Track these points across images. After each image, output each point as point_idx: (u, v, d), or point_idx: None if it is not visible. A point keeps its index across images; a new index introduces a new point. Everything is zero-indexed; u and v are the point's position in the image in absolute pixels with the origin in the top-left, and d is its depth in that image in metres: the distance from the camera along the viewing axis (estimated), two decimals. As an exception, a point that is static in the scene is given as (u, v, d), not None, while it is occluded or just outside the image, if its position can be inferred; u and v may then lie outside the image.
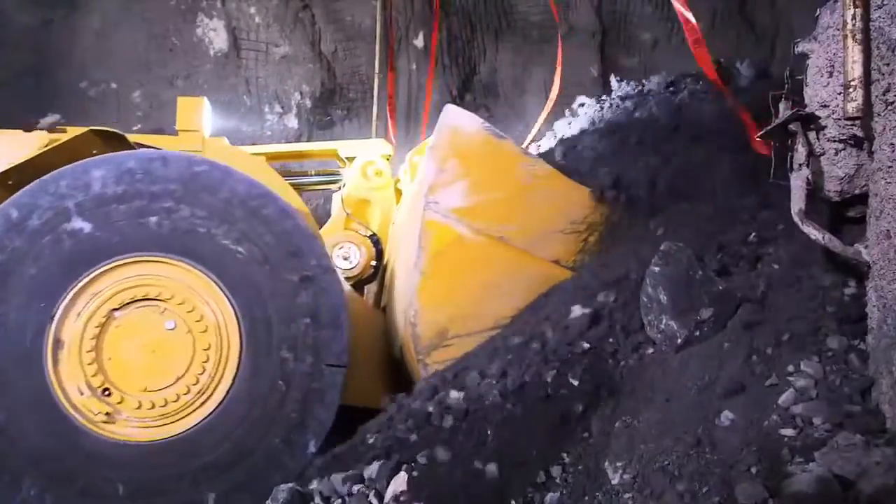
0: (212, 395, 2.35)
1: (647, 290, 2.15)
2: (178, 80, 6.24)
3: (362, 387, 2.64)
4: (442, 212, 2.51)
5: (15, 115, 5.93)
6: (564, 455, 2.03)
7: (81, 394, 2.28)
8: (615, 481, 1.87)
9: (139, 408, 2.30)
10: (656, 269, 2.18)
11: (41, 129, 3.06)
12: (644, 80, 4.24)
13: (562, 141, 3.43)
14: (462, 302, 2.53)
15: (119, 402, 2.29)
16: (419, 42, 6.41)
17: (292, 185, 3.58)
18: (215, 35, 6.36)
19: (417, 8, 6.36)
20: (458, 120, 2.59)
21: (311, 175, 3.86)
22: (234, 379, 2.35)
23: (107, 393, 2.31)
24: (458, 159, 2.53)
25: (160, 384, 2.33)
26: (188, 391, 2.33)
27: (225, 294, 2.35)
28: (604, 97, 4.32)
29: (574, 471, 2.00)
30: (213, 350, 2.35)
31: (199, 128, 3.09)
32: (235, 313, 2.35)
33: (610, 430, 2.05)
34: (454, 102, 6.24)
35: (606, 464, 1.94)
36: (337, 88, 6.15)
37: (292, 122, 6.28)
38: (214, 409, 2.34)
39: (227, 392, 2.34)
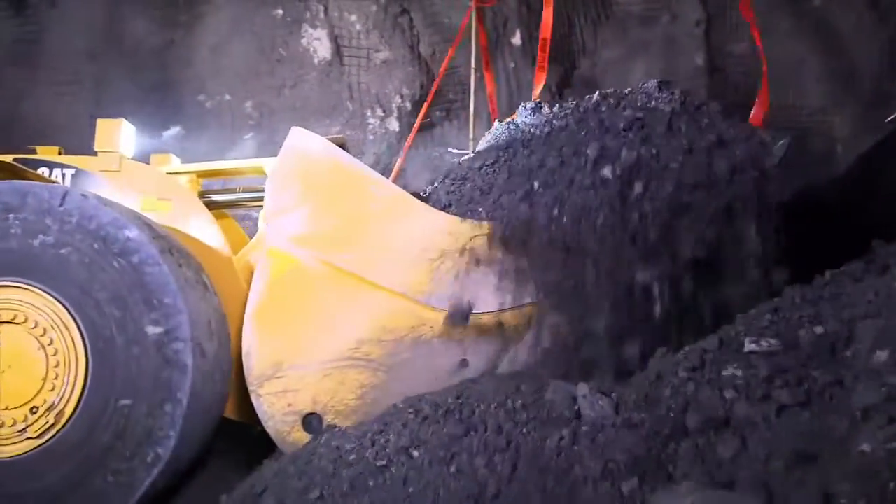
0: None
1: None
2: (286, 88, 6.54)
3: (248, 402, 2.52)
4: (282, 239, 2.38)
5: (147, 128, 6.44)
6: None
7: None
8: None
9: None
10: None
11: None
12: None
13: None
14: (299, 332, 2.37)
15: None
16: (516, 40, 6.42)
17: (224, 201, 3.62)
18: (319, 44, 6.61)
19: (514, 6, 6.36)
20: (303, 143, 2.43)
21: (239, 192, 3.74)
22: (77, 405, 2.24)
23: None
24: (301, 184, 2.40)
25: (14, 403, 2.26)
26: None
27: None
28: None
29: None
30: (62, 374, 2.25)
31: (116, 148, 3.19)
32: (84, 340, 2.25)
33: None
34: (553, 99, 6.23)
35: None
36: (437, 91, 6.24)
37: (393, 124, 6.44)
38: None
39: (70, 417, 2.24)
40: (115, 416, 2.19)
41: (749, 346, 1.96)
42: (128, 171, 3.15)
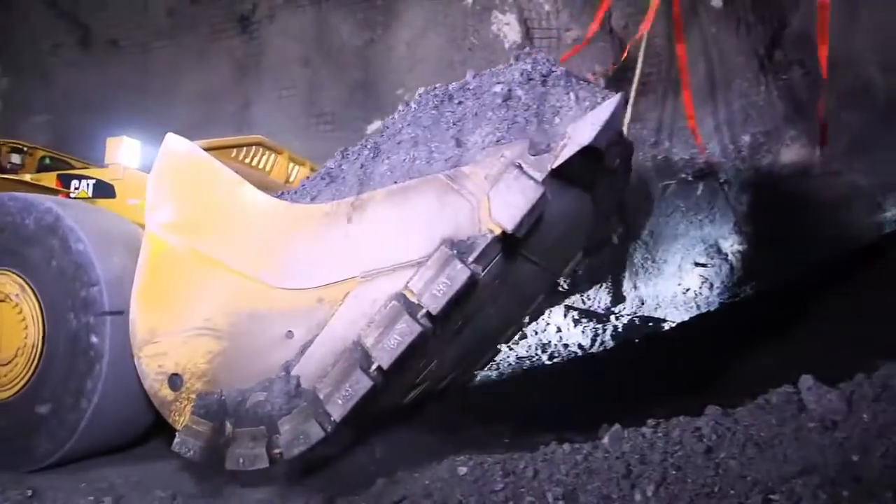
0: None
1: None
2: (479, 76, 6.71)
3: None
4: (157, 226, 2.81)
5: (352, 125, 6.99)
6: None
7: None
8: None
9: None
10: None
11: None
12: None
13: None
14: (168, 305, 2.79)
15: None
16: (716, 2, 6.00)
17: None
18: (509, 29, 6.69)
19: (713, -35, 5.95)
20: (173, 145, 2.86)
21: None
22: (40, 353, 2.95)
23: None
24: (170, 180, 2.85)
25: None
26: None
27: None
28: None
29: None
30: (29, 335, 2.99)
31: (118, 161, 3.86)
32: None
33: None
34: (762, 63, 5.75)
35: None
36: (630, 65, 6.04)
37: (585, 103, 6.35)
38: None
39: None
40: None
41: None
42: (129, 179, 3.88)
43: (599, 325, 6.39)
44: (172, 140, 2.87)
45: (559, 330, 6.37)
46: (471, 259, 2.36)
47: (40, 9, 7.93)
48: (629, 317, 6.37)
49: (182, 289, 2.79)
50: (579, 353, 6.30)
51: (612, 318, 6.41)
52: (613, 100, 2.40)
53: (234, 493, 2.73)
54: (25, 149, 4.91)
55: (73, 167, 4.64)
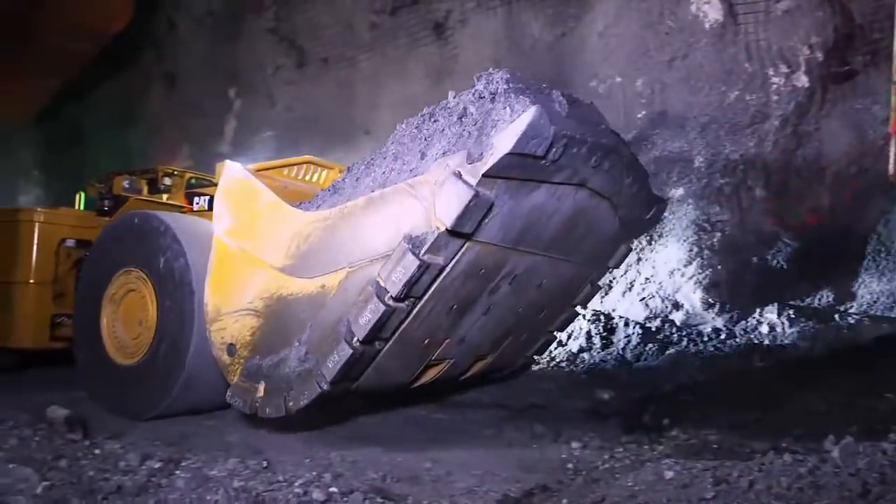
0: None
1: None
2: (677, 60, 6.38)
3: None
4: (220, 232, 3.59)
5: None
6: None
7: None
8: None
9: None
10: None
11: None
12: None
13: None
14: (227, 291, 3.55)
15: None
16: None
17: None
18: (709, 7, 6.28)
19: None
20: (230, 170, 3.67)
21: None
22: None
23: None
24: (228, 197, 3.65)
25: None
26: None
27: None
28: None
29: None
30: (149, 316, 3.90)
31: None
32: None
33: None
34: None
35: None
36: (856, 31, 5.37)
37: (801, 80, 5.76)
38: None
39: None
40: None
41: None
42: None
43: (821, 325, 5.76)
44: (230, 166, 3.70)
45: (772, 329, 5.85)
46: (422, 251, 2.86)
47: (265, 36, 8.93)
48: (858, 316, 5.67)
49: (235, 279, 3.59)
50: (796, 354, 5.74)
51: (836, 316, 5.74)
52: (529, 112, 2.73)
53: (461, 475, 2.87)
54: (175, 172, 5.79)
55: (210, 185, 5.51)
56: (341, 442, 3.47)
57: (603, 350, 5.70)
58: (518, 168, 2.85)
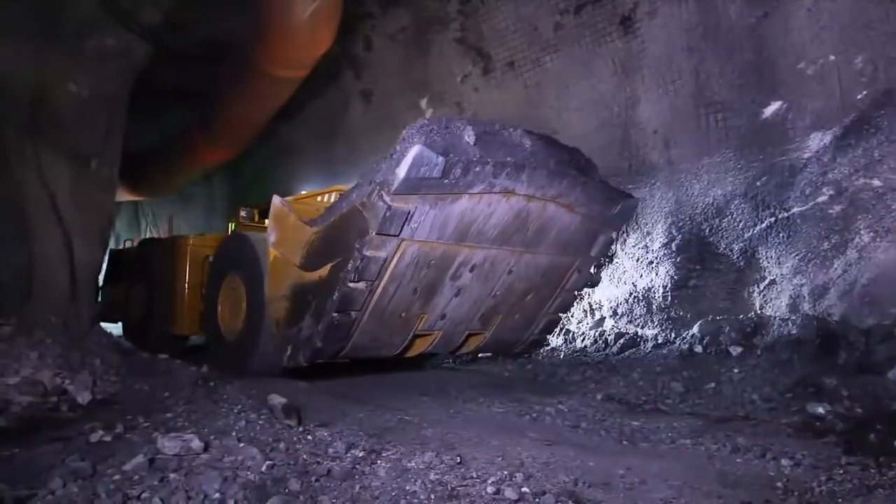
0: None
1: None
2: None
3: None
4: (271, 244, 5.12)
5: (747, 110, 6.51)
6: None
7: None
8: None
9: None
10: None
11: None
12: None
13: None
14: (278, 283, 5.08)
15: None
16: None
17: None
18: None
19: None
20: (275, 200, 5.15)
21: None
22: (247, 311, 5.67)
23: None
24: (273, 219, 5.13)
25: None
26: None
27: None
28: None
29: None
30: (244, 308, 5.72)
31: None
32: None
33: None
34: None
35: None
36: None
37: None
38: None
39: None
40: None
41: None
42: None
43: None
44: (275, 198, 5.12)
45: None
46: (365, 250, 4.12)
47: (452, 47, 9.25)
48: None
49: (279, 275, 5.06)
50: None
51: None
52: (413, 149, 3.84)
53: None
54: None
55: None
56: (533, 443, 3.52)
57: (815, 359, 5.15)
58: (424, 187, 3.98)
